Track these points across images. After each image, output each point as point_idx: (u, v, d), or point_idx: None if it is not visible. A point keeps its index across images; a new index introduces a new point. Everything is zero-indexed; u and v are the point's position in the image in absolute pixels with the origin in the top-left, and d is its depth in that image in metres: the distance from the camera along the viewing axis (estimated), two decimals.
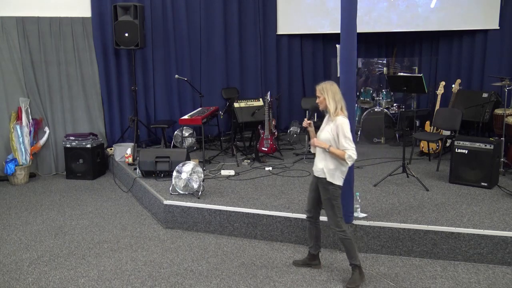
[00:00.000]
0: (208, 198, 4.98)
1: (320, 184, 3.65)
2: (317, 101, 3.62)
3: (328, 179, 3.59)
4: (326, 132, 3.60)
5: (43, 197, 5.98)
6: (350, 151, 3.49)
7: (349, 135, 3.54)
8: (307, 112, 3.70)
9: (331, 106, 3.55)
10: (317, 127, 3.74)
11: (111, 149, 7.10)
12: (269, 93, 6.48)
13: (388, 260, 4.12)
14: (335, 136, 3.53)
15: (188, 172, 5.03)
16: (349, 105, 4.10)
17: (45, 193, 6.15)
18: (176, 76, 7.27)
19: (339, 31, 4.04)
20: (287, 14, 8.46)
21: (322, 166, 3.61)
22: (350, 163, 3.60)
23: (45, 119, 6.92)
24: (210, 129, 7.85)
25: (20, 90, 6.69)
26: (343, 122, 3.52)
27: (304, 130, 6.85)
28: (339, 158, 3.54)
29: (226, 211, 4.68)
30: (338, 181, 3.62)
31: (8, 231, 4.88)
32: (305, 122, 3.74)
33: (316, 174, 3.69)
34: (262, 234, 4.57)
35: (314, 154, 3.78)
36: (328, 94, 3.55)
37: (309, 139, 3.91)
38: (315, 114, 7.09)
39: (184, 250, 4.39)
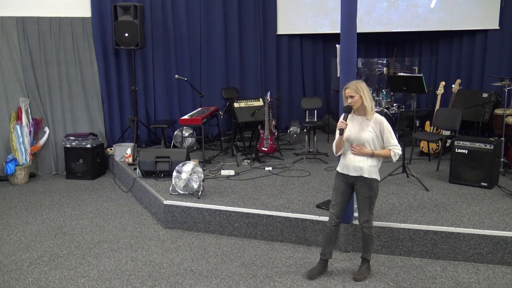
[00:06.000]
0: (208, 198, 4.98)
1: (362, 183, 3.58)
2: (351, 101, 3.49)
3: (374, 176, 3.58)
4: (368, 132, 3.52)
5: (43, 197, 5.98)
6: (397, 148, 3.52)
7: (393, 131, 3.56)
8: (343, 114, 3.53)
9: (369, 105, 3.49)
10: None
11: (111, 149, 7.10)
12: (269, 93, 6.48)
13: (388, 260, 4.12)
14: (378, 134, 3.53)
15: (188, 172, 5.03)
16: None
17: (45, 193, 6.14)
18: (176, 76, 7.27)
19: (339, 31, 4.05)
20: (287, 14, 8.46)
21: (365, 165, 3.55)
22: (395, 160, 3.63)
23: (45, 119, 6.91)
24: (210, 129, 7.85)
25: (20, 90, 6.69)
26: (384, 120, 3.52)
27: (305, 130, 6.85)
28: (381, 157, 3.57)
29: (226, 211, 4.68)
30: (379, 176, 3.64)
31: (8, 231, 4.88)
32: (343, 124, 3.51)
33: (355, 173, 3.58)
34: (262, 234, 4.57)
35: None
36: (365, 93, 3.48)
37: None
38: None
39: (184, 250, 4.39)
